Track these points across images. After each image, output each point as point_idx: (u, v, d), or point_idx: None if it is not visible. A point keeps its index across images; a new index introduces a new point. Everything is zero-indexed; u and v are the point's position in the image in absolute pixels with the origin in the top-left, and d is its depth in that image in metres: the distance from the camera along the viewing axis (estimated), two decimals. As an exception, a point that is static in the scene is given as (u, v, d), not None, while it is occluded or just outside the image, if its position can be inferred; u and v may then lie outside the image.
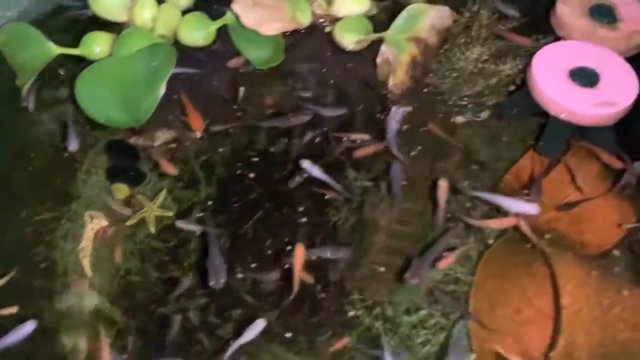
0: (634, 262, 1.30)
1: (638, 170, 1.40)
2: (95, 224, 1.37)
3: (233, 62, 1.62)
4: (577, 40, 1.60)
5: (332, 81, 1.61)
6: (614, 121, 1.47)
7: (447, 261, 1.27)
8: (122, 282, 1.29)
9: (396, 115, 1.47)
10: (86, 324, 1.25)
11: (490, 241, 1.32)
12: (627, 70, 1.51)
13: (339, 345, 1.21)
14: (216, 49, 1.66)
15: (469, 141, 1.49)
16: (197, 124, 1.49)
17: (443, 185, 1.37)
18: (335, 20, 1.68)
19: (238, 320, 1.24)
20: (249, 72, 1.61)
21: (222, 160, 1.45)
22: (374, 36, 1.62)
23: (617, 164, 1.40)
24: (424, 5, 1.62)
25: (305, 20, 1.66)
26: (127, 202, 1.40)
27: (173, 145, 1.49)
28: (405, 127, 1.48)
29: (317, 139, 1.48)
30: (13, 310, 1.27)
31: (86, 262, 1.32)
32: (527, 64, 1.54)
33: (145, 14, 1.61)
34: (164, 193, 1.39)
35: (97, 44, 1.59)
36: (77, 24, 1.70)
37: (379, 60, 1.58)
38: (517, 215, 1.32)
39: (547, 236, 1.33)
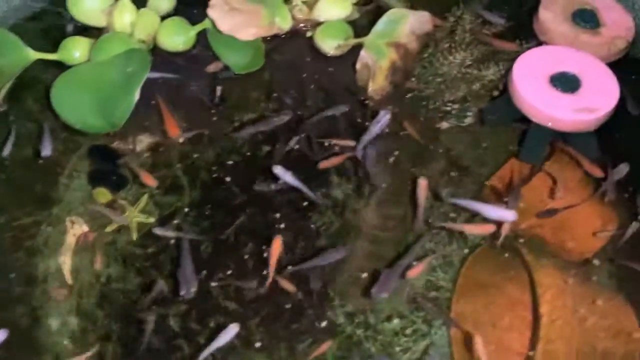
0: (615, 271, 1.33)
1: (619, 176, 1.42)
2: (76, 229, 1.38)
3: (212, 67, 1.64)
4: (559, 45, 1.63)
5: (312, 86, 1.62)
6: (596, 127, 1.49)
7: (417, 270, 1.29)
8: (103, 289, 1.30)
9: (382, 119, 1.48)
10: (66, 331, 1.26)
11: (466, 250, 1.35)
12: (609, 75, 1.54)
13: (319, 352, 1.22)
14: (196, 54, 1.67)
15: (452, 146, 1.51)
16: (174, 130, 1.50)
17: (422, 183, 1.40)
18: (316, 25, 1.70)
19: (219, 327, 1.25)
20: (228, 77, 1.63)
21: (204, 166, 1.47)
22: (354, 41, 1.64)
23: (597, 173, 1.43)
24: (403, 10, 1.66)
25: (285, 25, 1.67)
26: (109, 207, 1.41)
27: (155, 150, 1.50)
28: (387, 131, 1.51)
29: (300, 145, 1.50)
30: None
31: (67, 268, 1.33)
32: (509, 70, 1.56)
33: (124, 19, 1.62)
34: (145, 198, 1.40)
35: (76, 49, 1.60)
36: (56, 29, 1.71)
37: (358, 65, 1.60)
38: (496, 222, 1.34)
39: (529, 243, 1.35)
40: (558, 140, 1.51)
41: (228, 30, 1.62)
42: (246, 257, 1.34)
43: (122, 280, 1.32)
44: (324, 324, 1.27)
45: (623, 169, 1.44)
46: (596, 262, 1.34)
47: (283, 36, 1.71)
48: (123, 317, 1.28)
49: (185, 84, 1.63)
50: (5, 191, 1.46)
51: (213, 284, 1.30)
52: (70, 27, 1.70)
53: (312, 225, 1.38)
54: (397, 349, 1.24)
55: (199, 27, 1.66)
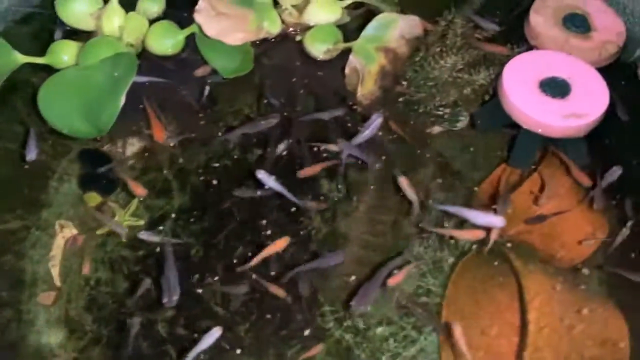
0: (604, 278, 1.34)
1: (612, 178, 1.43)
2: (65, 232, 1.39)
3: (200, 71, 1.65)
4: (549, 49, 1.64)
5: (301, 90, 1.64)
6: (586, 132, 1.51)
7: (398, 278, 1.30)
8: (92, 292, 1.32)
9: (374, 122, 1.49)
10: (53, 335, 1.28)
11: (456, 256, 1.36)
12: (599, 81, 1.55)
13: (308, 357, 1.24)
14: (185, 58, 1.68)
15: (443, 151, 1.53)
16: (159, 135, 1.52)
17: (403, 180, 1.41)
18: (306, 28, 1.71)
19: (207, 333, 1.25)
20: (216, 82, 1.64)
21: (194, 169, 1.49)
22: (343, 46, 1.66)
23: (586, 182, 1.43)
24: (393, 14, 1.67)
25: (274, 29, 1.69)
26: (99, 211, 1.42)
27: (145, 153, 1.52)
28: (379, 134, 1.52)
29: (291, 149, 1.51)
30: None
31: (55, 272, 1.34)
32: (499, 74, 1.57)
33: (113, 22, 1.63)
34: (135, 202, 1.43)
35: (64, 53, 1.61)
36: (46, 32, 1.71)
37: (347, 70, 1.62)
38: (485, 227, 1.35)
39: (517, 249, 1.36)
40: (548, 146, 1.51)
41: (215, 35, 1.62)
42: (235, 261, 1.35)
43: (111, 284, 1.34)
44: (313, 329, 1.28)
45: (616, 172, 1.45)
46: (585, 269, 1.35)
47: (272, 40, 1.72)
48: (111, 321, 1.29)
49: (174, 88, 1.64)
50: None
51: (202, 289, 1.31)
52: (59, 31, 1.70)
53: (302, 230, 1.39)
54: (387, 354, 1.25)
55: (187, 31, 1.67)
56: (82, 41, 1.64)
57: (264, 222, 1.40)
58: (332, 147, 1.50)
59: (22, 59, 1.60)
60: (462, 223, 1.38)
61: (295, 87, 1.65)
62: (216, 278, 1.33)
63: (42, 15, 1.76)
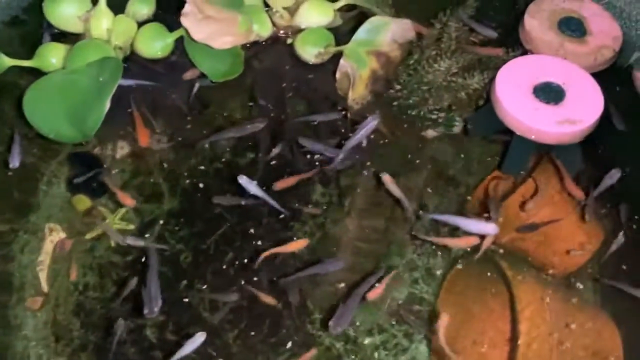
0: (598, 287, 1.35)
1: (611, 181, 1.42)
2: (54, 236, 1.41)
3: (189, 74, 1.65)
4: (544, 54, 1.65)
5: (292, 94, 1.65)
6: (580, 139, 1.52)
7: (377, 291, 1.30)
8: (80, 297, 1.33)
9: (369, 124, 1.48)
10: (41, 340, 1.28)
11: (449, 263, 1.37)
12: (594, 86, 1.56)
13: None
14: (175, 61, 1.69)
15: (437, 156, 1.54)
16: (144, 139, 1.53)
17: (386, 179, 1.41)
18: (298, 31, 1.73)
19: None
20: (205, 85, 1.64)
21: (185, 173, 1.50)
22: (334, 49, 1.67)
23: (579, 195, 1.42)
24: (385, 18, 1.68)
25: (264, 32, 1.71)
26: (88, 214, 1.44)
27: (135, 157, 1.53)
28: (371, 140, 1.52)
29: (283, 153, 1.52)
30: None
31: (43, 276, 1.36)
32: (493, 79, 1.58)
33: (101, 25, 1.64)
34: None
35: (52, 56, 1.62)
36: (34, 34, 1.72)
37: (338, 74, 1.63)
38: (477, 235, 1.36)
39: (510, 257, 1.36)
40: (542, 152, 1.51)
41: (202, 39, 1.62)
42: (225, 267, 1.36)
43: (99, 289, 1.35)
44: (303, 336, 1.30)
45: (615, 175, 1.45)
46: (579, 278, 1.36)
47: (263, 43, 1.74)
48: (99, 326, 1.30)
49: (163, 92, 1.65)
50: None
51: (191, 294, 1.32)
52: (47, 34, 1.71)
53: (293, 236, 1.40)
54: (378, 363, 1.28)
55: (176, 34, 1.67)
56: (71, 44, 1.64)
57: (255, 227, 1.41)
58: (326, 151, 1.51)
59: (9, 62, 1.62)
60: (455, 230, 1.39)
61: (285, 92, 1.66)
62: (205, 284, 1.34)
63: (30, 17, 1.77)
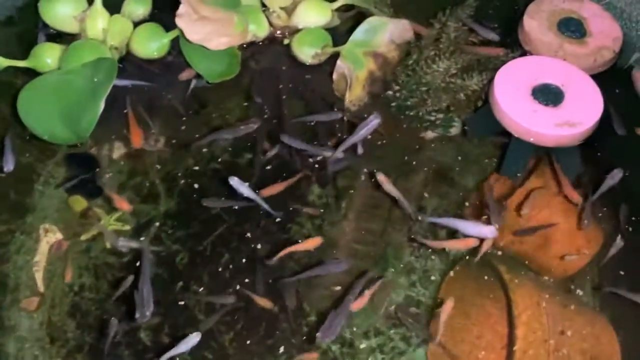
0: (596, 291, 1.36)
1: (613, 182, 1.42)
2: (50, 237, 1.42)
3: (185, 75, 1.66)
4: (543, 55, 1.66)
5: (289, 95, 1.66)
6: (580, 141, 1.53)
7: (362, 301, 1.32)
8: (75, 298, 1.34)
9: (370, 123, 1.49)
10: (36, 341, 1.29)
11: (447, 265, 1.38)
12: (593, 88, 1.57)
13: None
14: (171, 61, 1.70)
15: (436, 157, 1.55)
16: (137, 140, 1.54)
17: (381, 178, 1.42)
18: (295, 32, 1.74)
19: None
20: (201, 86, 1.65)
21: (182, 174, 1.51)
22: (331, 50, 1.68)
23: (576, 199, 1.44)
24: (383, 18, 1.69)
25: (261, 32, 1.72)
26: (84, 215, 1.45)
27: (132, 157, 1.54)
28: (370, 142, 1.53)
29: (281, 153, 1.53)
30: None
31: (39, 277, 1.37)
32: (492, 80, 1.59)
33: (96, 25, 1.66)
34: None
35: (47, 56, 1.64)
36: (30, 34, 1.74)
37: (335, 75, 1.64)
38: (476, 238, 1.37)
39: (508, 261, 1.38)
40: (541, 154, 1.52)
41: (198, 40, 1.63)
42: (222, 268, 1.37)
43: (95, 290, 1.36)
44: (299, 339, 1.31)
45: (617, 175, 1.45)
46: (578, 281, 1.37)
47: (260, 43, 1.74)
48: (94, 327, 1.31)
49: (159, 92, 1.66)
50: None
51: (187, 296, 1.33)
52: (42, 34, 1.72)
53: (290, 238, 1.41)
54: (374, 366, 1.30)
55: (172, 34, 1.69)
56: (66, 44, 1.66)
57: (251, 229, 1.42)
58: (323, 151, 1.52)
59: (4, 62, 1.63)
60: (454, 232, 1.39)
61: (282, 92, 1.67)
62: (201, 286, 1.35)
63: (26, 17, 1.77)
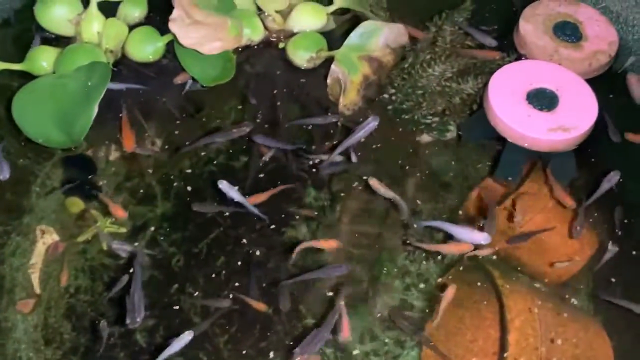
0: (589, 296, 1.38)
1: (610, 184, 1.44)
2: (46, 238, 1.44)
3: (180, 79, 1.68)
4: (538, 59, 1.67)
5: (283, 100, 1.67)
6: (575, 146, 1.54)
7: (346, 327, 1.31)
8: (71, 300, 1.36)
9: (368, 125, 1.50)
10: (31, 343, 1.31)
11: (442, 269, 1.40)
12: (588, 93, 1.58)
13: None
14: (166, 64, 1.72)
15: (431, 161, 1.57)
16: (129, 144, 1.55)
17: (373, 183, 1.44)
18: (290, 35, 1.76)
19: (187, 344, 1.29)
20: (194, 89, 1.67)
21: (179, 176, 1.53)
22: (326, 54, 1.71)
23: (569, 202, 1.45)
24: (378, 22, 1.71)
25: (256, 36, 1.74)
26: (81, 217, 1.47)
27: (128, 159, 1.56)
28: (365, 145, 1.55)
29: (276, 157, 1.55)
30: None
31: (35, 278, 1.39)
32: (486, 84, 1.61)
33: (92, 28, 1.68)
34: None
35: (43, 59, 1.66)
36: (26, 37, 1.76)
37: (329, 80, 1.66)
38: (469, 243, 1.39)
39: (502, 266, 1.39)
40: (536, 159, 1.53)
41: (191, 44, 1.65)
42: (217, 271, 1.39)
43: (91, 291, 1.38)
44: (294, 342, 1.32)
45: (613, 177, 1.47)
46: (572, 287, 1.39)
47: (255, 47, 1.76)
48: (89, 329, 1.34)
49: (154, 95, 1.68)
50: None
51: (182, 298, 1.35)
52: (38, 37, 1.73)
53: (286, 241, 1.43)
54: (368, 370, 1.32)
55: (167, 38, 1.73)
56: (62, 47, 1.68)
57: (247, 232, 1.45)
58: (319, 156, 1.54)
59: None
60: (450, 237, 1.41)
61: (277, 96, 1.69)
62: (196, 288, 1.37)
63: (22, 20, 1.79)
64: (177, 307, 1.35)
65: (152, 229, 1.46)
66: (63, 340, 1.33)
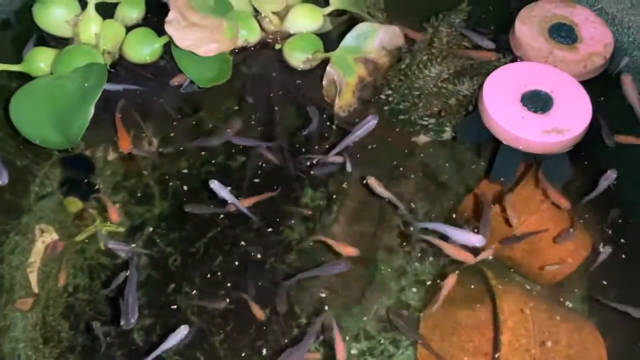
0: (584, 297, 1.40)
1: (607, 182, 1.45)
2: (45, 237, 1.46)
3: (176, 80, 1.70)
4: (533, 61, 1.69)
5: (279, 101, 1.69)
6: (568, 149, 1.56)
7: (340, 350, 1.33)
8: (69, 299, 1.39)
9: (367, 124, 1.52)
10: (30, 341, 1.34)
11: (438, 270, 1.42)
12: (583, 95, 1.59)
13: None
14: (163, 65, 1.75)
15: (428, 162, 1.60)
16: (125, 145, 1.58)
17: (372, 182, 1.46)
18: (287, 37, 1.78)
19: (183, 343, 1.31)
20: (190, 91, 1.69)
21: (177, 176, 1.56)
22: (322, 55, 1.72)
23: (564, 204, 1.46)
24: (374, 24, 1.73)
25: (252, 38, 1.77)
26: (80, 216, 1.49)
27: (127, 159, 1.58)
28: (362, 145, 1.57)
29: (274, 156, 1.57)
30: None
31: (34, 277, 1.41)
32: (481, 86, 1.62)
33: (89, 29, 1.71)
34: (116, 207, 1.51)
35: (41, 60, 1.68)
36: (25, 39, 1.78)
37: (324, 81, 1.67)
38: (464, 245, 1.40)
39: (496, 267, 1.41)
40: (531, 160, 1.55)
41: (187, 46, 1.66)
42: (214, 271, 1.42)
43: (89, 290, 1.41)
44: (289, 342, 1.34)
45: (611, 176, 1.48)
46: (566, 288, 1.41)
47: (252, 48, 1.78)
48: (87, 328, 1.36)
49: (152, 96, 1.70)
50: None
51: (179, 298, 1.37)
52: (35, 38, 1.76)
53: (283, 241, 1.46)
54: (363, 369, 1.35)
55: (164, 39, 1.75)
56: (60, 48, 1.71)
57: (244, 231, 1.47)
58: (317, 156, 1.57)
59: (-3, 66, 1.71)
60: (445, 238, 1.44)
61: (273, 97, 1.71)
62: (193, 288, 1.39)
63: (21, 21, 1.81)
64: (174, 307, 1.36)
65: (150, 229, 1.48)
66: (61, 338, 1.36)
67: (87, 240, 1.47)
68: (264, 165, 1.57)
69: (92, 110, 1.57)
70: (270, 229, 1.48)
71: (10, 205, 1.52)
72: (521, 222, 1.45)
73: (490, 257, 1.43)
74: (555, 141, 1.53)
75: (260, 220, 1.49)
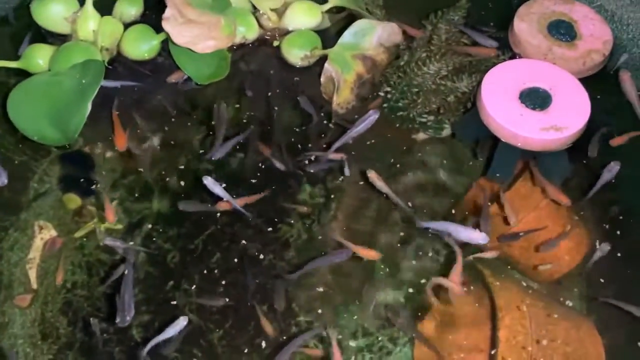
0: (582, 295, 1.42)
1: (610, 175, 1.45)
2: (44, 234, 1.48)
3: (174, 77, 1.72)
4: (532, 58, 1.70)
5: (277, 98, 1.70)
6: (567, 145, 1.58)
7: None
8: (68, 296, 1.40)
9: (369, 118, 1.54)
10: (28, 338, 1.35)
11: (436, 266, 1.43)
12: (581, 92, 1.61)
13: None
14: (161, 62, 1.75)
15: (427, 159, 1.61)
16: (120, 143, 1.59)
17: (372, 175, 1.48)
18: (285, 33, 1.80)
19: (180, 339, 1.33)
20: (188, 88, 1.71)
21: (176, 173, 1.57)
22: (320, 52, 1.74)
23: (564, 200, 1.48)
24: (372, 21, 1.75)
25: (250, 35, 1.78)
26: (79, 213, 1.51)
27: (126, 156, 1.59)
28: (360, 142, 1.59)
29: (273, 154, 1.58)
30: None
31: (32, 274, 1.43)
32: (479, 83, 1.64)
33: (87, 26, 1.72)
34: (114, 205, 1.52)
35: (39, 57, 1.69)
36: (23, 35, 1.80)
37: (322, 78, 1.68)
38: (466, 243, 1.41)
39: (493, 264, 1.43)
40: (529, 158, 1.56)
41: (184, 43, 1.67)
42: (212, 268, 1.44)
43: (87, 287, 1.42)
44: (288, 339, 1.35)
45: (614, 168, 1.48)
46: (564, 285, 1.42)
47: (250, 45, 1.80)
48: (86, 324, 1.38)
49: (149, 93, 1.71)
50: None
51: (178, 295, 1.39)
52: (33, 35, 1.77)
53: (281, 238, 1.48)
54: (362, 365, 1.38)
55: (162, 36, 1.76)
56: (58, 45, 1.71)
57: (243, 228, 1.48)
58: (315, 152, 1.58)
59: (-5, 62, 1.74)
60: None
61: (271, 94, 1.71)
62: (192, 284, 1.40)
63: (20, 17, 1.83)
64: (172, 304, 1.38)
65: (149, 225, 1.49)
66: (59, 335, 1.37)
67: (85, 237, 1.47)
68: (262, 162, 1.58)
69: (89, 107, 1.58)
70: (268, 226, 1.49)
71: (9, 202, 1.53)
72: (519, 219, 1.46)
73: (487, 261, 1.42)
74: (553, 138, 1.55)
75: (259, 217, 1.49)
